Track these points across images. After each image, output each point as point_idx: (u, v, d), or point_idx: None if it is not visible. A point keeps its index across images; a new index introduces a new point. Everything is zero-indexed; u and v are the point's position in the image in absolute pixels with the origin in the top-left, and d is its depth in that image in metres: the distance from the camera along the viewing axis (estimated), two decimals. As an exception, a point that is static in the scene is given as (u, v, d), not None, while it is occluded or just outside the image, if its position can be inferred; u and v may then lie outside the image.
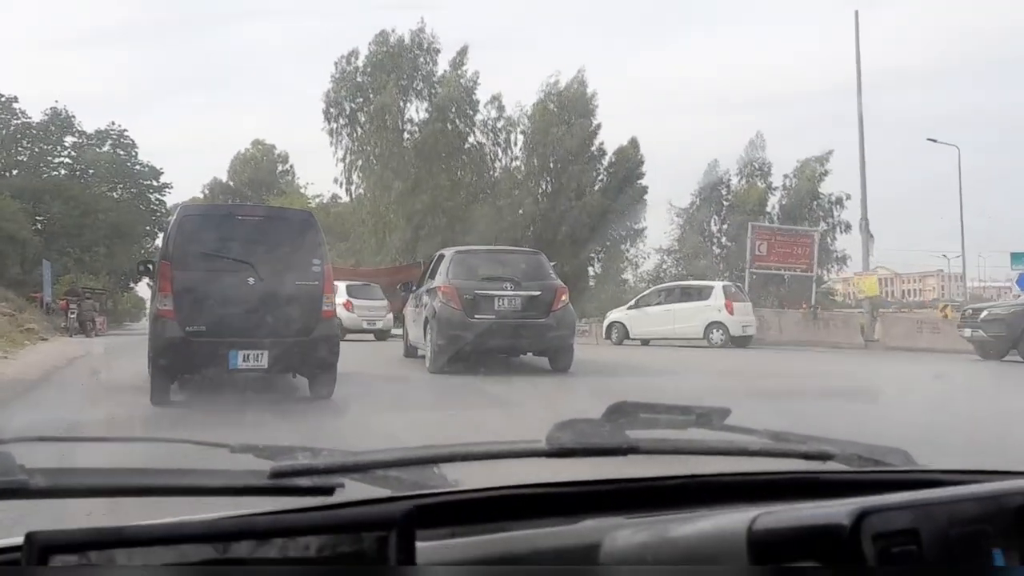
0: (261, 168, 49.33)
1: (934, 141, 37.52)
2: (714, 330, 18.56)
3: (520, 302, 10.24)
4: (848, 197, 38.87)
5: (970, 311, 17.15)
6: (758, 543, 0.78)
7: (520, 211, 34.67)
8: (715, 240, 41.13)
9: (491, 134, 34.69)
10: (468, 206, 33.17)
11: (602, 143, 35.23)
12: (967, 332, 16.45)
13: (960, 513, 0.81)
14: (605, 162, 35.39)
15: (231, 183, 48.98)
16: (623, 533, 0.93)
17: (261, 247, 7.31)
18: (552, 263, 11.67)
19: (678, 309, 19.25)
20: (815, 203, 39.40)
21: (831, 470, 1.23)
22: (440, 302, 10.20)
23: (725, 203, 40.90)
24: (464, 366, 9.95)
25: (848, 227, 38.89)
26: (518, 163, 36.05)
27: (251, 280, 7.13)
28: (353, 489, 1.01)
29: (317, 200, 41.61)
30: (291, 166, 49.98)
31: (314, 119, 46.45)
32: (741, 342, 18.47)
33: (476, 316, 10.05)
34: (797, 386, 9.78)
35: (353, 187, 35.05)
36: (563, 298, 10.47)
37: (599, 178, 35.44)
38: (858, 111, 20.18)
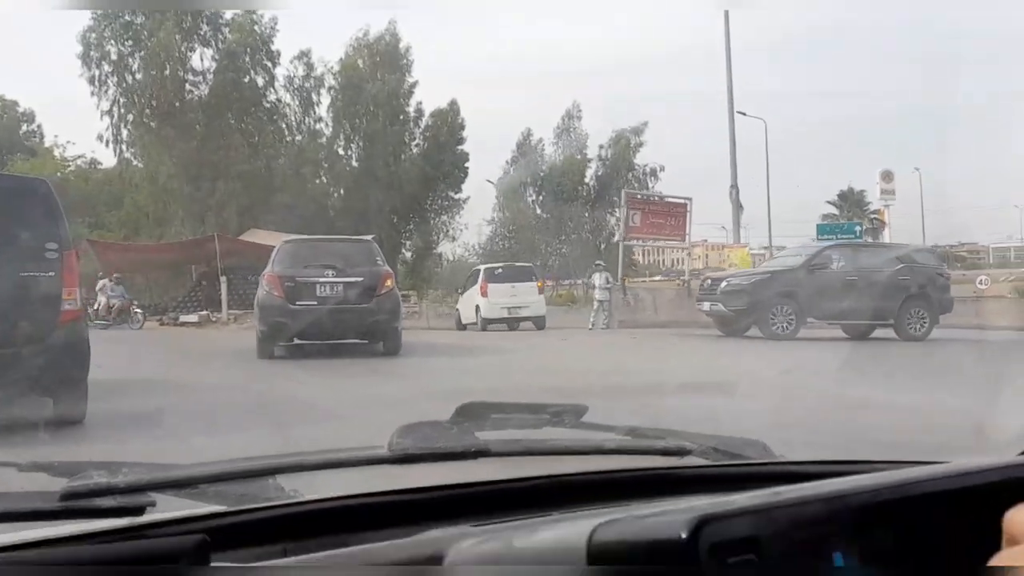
0: (1, 127, 41.33)
1: (743, 114, 38.05)
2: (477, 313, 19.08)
3: (342, 288, 10.44)
4: (662, 168, 38.78)
5: (709, 282, 16.01)
6: (598, 554, 0.76)
7: (326, 178, 30.45)
8: (532, 211, 39.13)
9: (296, 93, 30.04)
10: (267, 170, 28.40)
11: (420, 103, 31.69)
12: (706, 306, 15.38)
13: (801, 515, 0.80)
14: (423, 125, 31.71)
15: (-36, 144, 40.86)
16: (467, 543, 0.89)
17: None
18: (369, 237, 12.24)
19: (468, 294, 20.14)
20: (630, 174, 38.40)
21: (688, 465, 1.21)
22: (264, 290, 10.68)
23: (541, 174, 38.97)
24: (292, 351, 10.58)
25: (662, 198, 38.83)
26: (323, 124, 31.66)
27: None
28: (168, 506, 0.90)
29: (77, 162, 34.67)
30: (39, 126, 42.21)
31: (69, 73, 39.15)
32: (538, 323, 18.84)
33: (297, 303, 10.28)
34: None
35: (123, 146, 28.99)
36: (387, 283, 10.70)
37: (414, 143, 31.81)
38: (727, 83, 18.26)
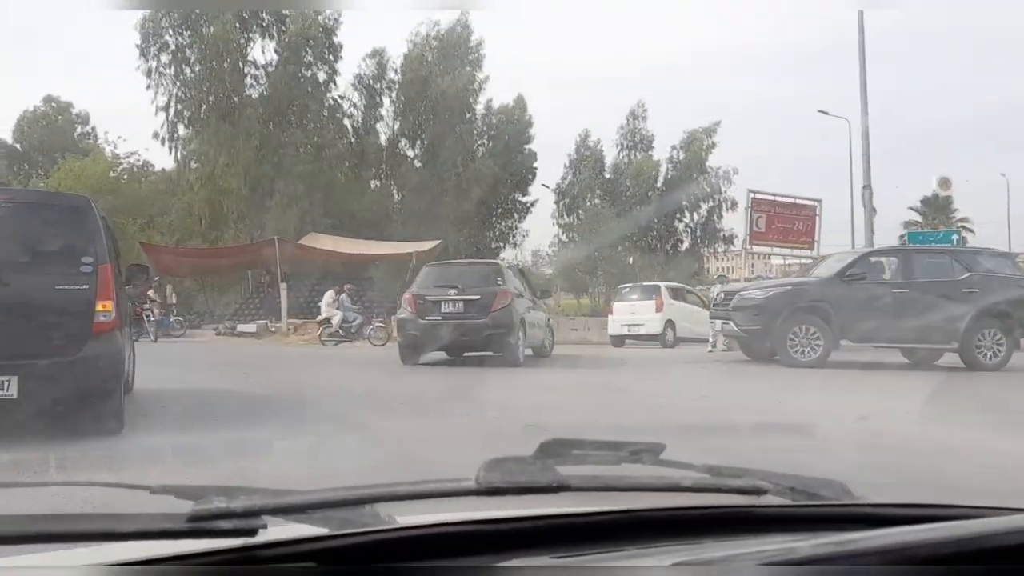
0: (56, 129, 40.42)
1: (825, 113, 35.59)
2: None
3: (462, 305, 11.85)
4: (736, 171, 36.42)
5: (721, 296, 13.37)
6: None
7: (390, 180, 28.50)
8: (595, 217, 36.76)
9: (363, 91, 28.10)
10: (329, 171, 26.52)
11: (489, 100, 29.59)
12: (717, 325, 13.06)
13: (864, 565, 0.82)
14: (491, 123, 29.62)
15: (18, 146, 40.23)
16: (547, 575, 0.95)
17: (6, 241, 5.89)
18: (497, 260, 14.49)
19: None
20: (702, 177, 36.01)
21: (765, 504, 1.23)
22: (402, 307, 12.63)
23: (606, 176, 36.76)
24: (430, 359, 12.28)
25: (735, 204, 36.65)
26: (384, 124, 29.70)
27: None
28: (277, 530, 1.00)
29: (129, 161, 33.17)
30: (93, 128, 41.23)
31: (127, 74, 37.66)
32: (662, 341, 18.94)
33: (426, 318, 11.93)
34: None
35: (179, 143, 27.30)
36: (502, 301, 11.80)
37: (480, 143, 29.70)
38: (861, 79, 15.91)
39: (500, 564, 1.02)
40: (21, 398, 5.64)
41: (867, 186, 16.40)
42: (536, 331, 13.25)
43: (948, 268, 12.19)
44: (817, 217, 19.54)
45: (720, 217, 37.27)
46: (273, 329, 22.36)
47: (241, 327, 22.31)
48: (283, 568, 0.79)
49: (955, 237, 26.93)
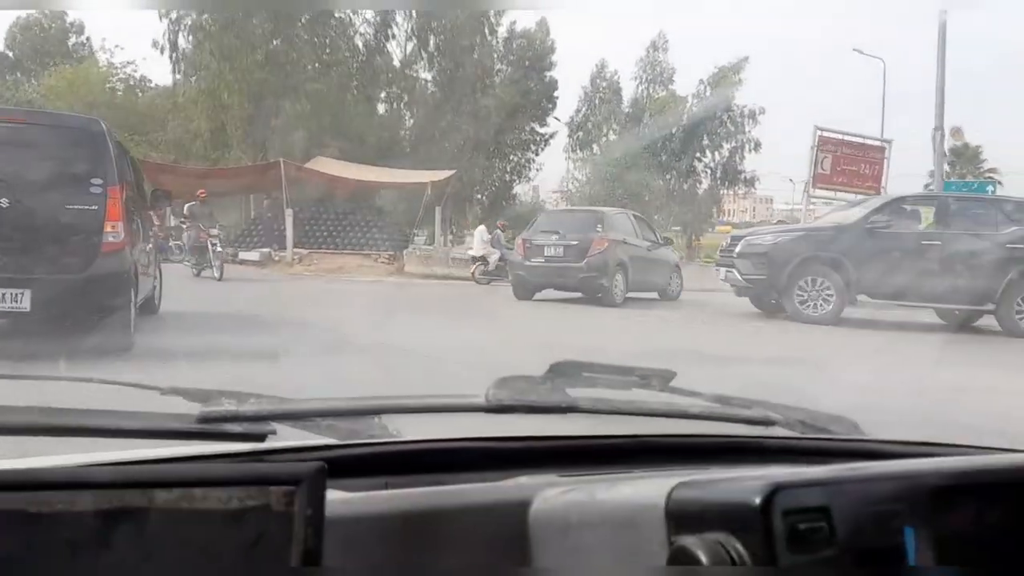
0: (48, 37, 38.36)
1: (860, 52, 33.85)
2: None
3: (562, 250, 12.73)
4: (763, 111, 34.65)
5: (728, 241, 12.24)
6: (675, 513, 0.80)
7: (402, 102, 26.78)
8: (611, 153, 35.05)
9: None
10: (339, 91, 24.80)
11: (513, 22, 27.64)
12: (721, 273, 11.83)
13: (874, 491, 0.82)
14: (514, 46, 27.73)
15: (10, 53, 38.32)
16: (553, 492, 0.96)
17: (20, 161, 6.09)
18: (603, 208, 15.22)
19: None
20: (727, 115, 34.22)
21: (772, 435, 1.24)
22: (514, 249, 14.02)
23: (625, 111, 34.94)
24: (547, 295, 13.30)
25: (758, 145, 35.07)
26: (396, 43, 27.78)
27: (3, 202, 5.96)
28: (285, 435, 1.00)
29: (125, 71, 31.27)
30: (88, 38, 39.08)
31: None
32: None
33: (532, 260, 13.00)
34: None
35: (180, 55, 25.47)
36: (598, 248, 12.48)
37: (496, 69, 27.84)
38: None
39: (505, 481, 1.03)
40: (34, 311, 5.93)
41: (939, 128, 14.92)
42: (653, 276, 13.79)
43: (991, 220, 10.88)
44: (886, 160, 17.91)
45: (743, 159, 35.54)
46: (277, 258, 21.05)
47: (243, 255, 20.97)
48: (294, 472, 0.74)
49: (990, 188, 25.54)
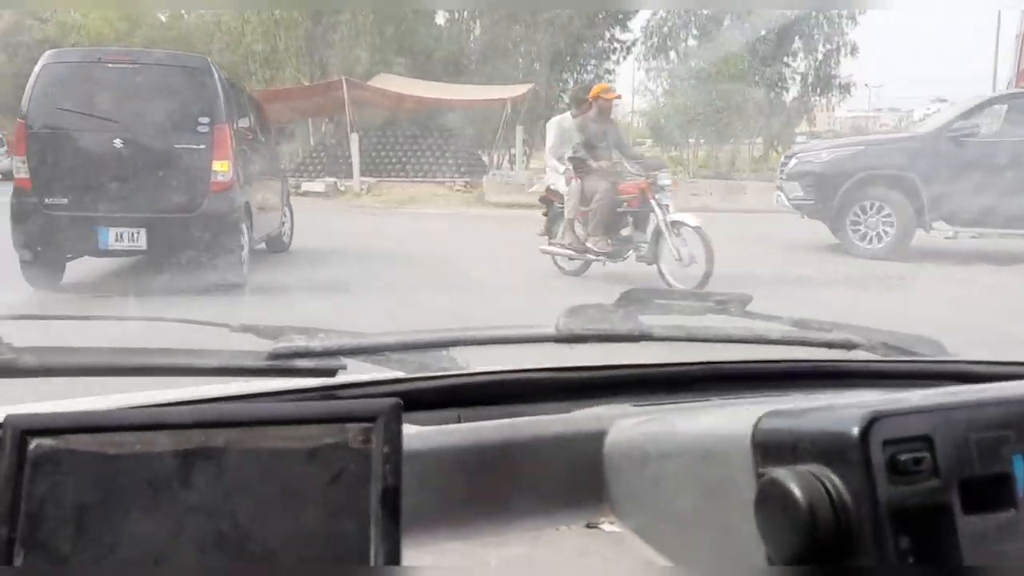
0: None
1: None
2: None
3: None
4: (863, 11, 31.24)
5: (784, 160, 10.34)
6: (763, 443, 0.75)
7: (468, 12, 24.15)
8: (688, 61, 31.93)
9: None
10: (393, 3, 22.30)
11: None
12: (776, 194, 9.82)
13: (979, 417, 0.75)
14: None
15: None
16: (629, 422, 0.94)
17: (134, 101, 6.37)
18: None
19: None
20: (822, 15, 31.00)
21: (856, 359, 1.21)
22: None
23: (703, 12, 31.72)
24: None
25: (856, 49, 31.88)
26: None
27: (117, 142, 6.25)
28: (356, 370, 1.00)
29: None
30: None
31: None
32: None
33: None
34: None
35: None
36: None
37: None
38: None
39: (579, 411, 1.01)
40: (151, 249, 6.26)
41: None
42: None
43: None
44: None
45: (838, 63, 32.32)
46: (343, 188, 19.12)
47: (306, 185, 19.04)
48: (372, 408, 0.74)
49: None
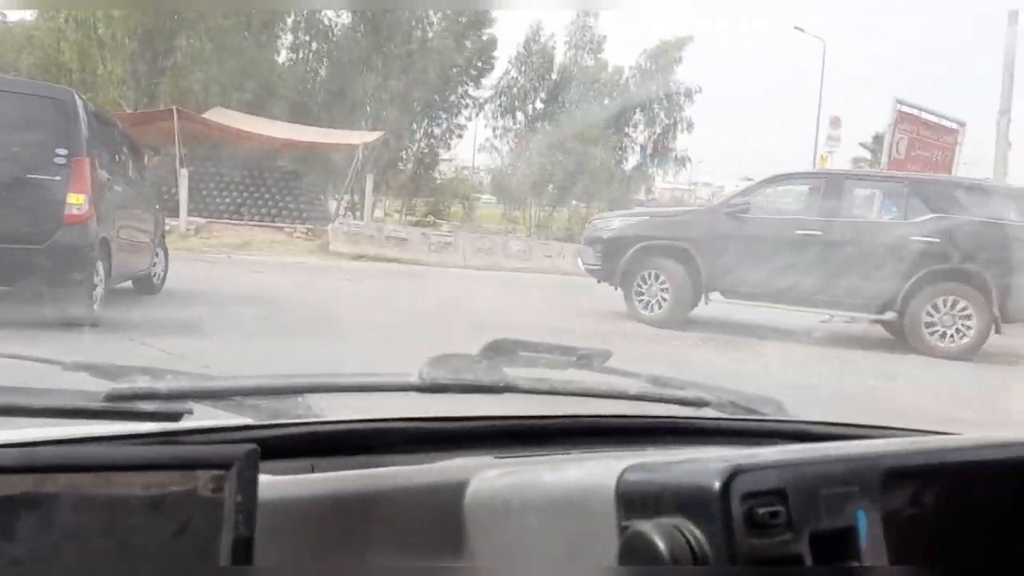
0: None
1: (800, 31, 32.39)
2: None
3: None
4: (699, 90, 32.89)
5: (586, 227, 11.25)
6: (626, 496, 0.77)
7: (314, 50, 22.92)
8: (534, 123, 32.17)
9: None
10: (247, 31, 20.77)
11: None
12: (578, 259, 10.52)
13: (828, 473, 0.81)
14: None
15: None
16: (491, 474, 0.92)
17: None
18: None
19: None
20: (662, 92, 32.34)
21: (707, 416, 1.27)
22: None
23: (553, 77, 32.22)
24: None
25: (691, 125, 33.48)
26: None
27: None
28: (204, 416, 0.94)
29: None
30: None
31: None
32: None
33: None
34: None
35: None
36: None
37: (427, 20, 24.26)
38: None
39: (440, 463, 0.98)
40: None
41: (1005, 111, 12.84)
42: None
43: (900, 205, 8.88)
44: (958, 147, 15.44)
45: (675, 138, 33.73)
46: (168, 228, 17.05)
47: (124, 222, 16.85)
48: (224, 455, 0.70)
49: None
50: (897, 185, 9.42)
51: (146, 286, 8.56)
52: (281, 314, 7.79)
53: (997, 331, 8.31)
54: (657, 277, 9.03)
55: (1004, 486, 0.86)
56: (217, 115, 19.89)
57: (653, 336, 8.34)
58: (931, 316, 8.18)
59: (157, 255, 8.83)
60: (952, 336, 8.15)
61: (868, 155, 43.57)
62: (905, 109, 14.56)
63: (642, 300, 9.10)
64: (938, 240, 8.19)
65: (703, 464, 0.75)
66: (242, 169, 19.80)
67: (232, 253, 15.36)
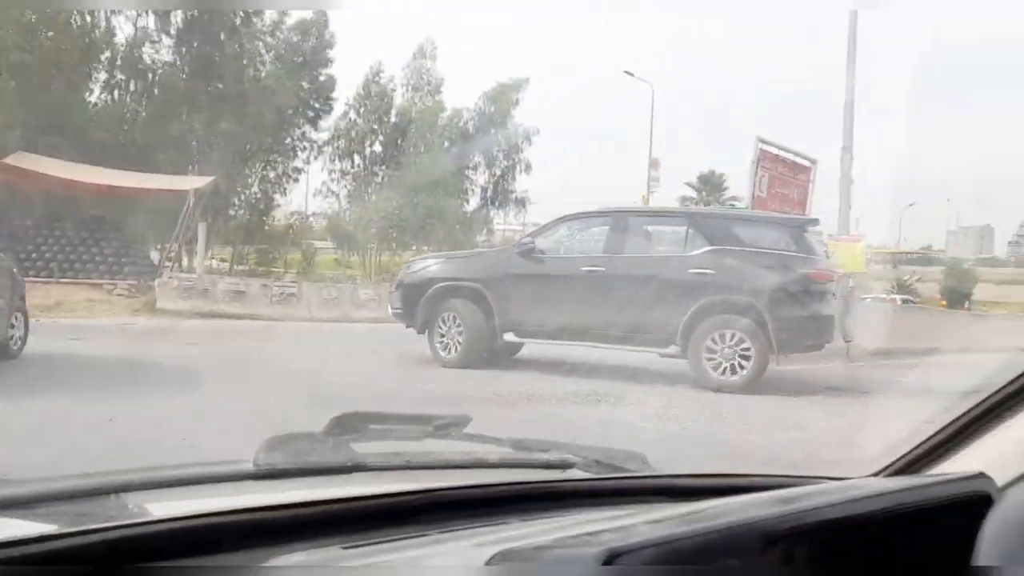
0: None
1: (630, 75, 33.49)
2: None
3: None
4: (537, 131, 33.30)
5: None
6: None
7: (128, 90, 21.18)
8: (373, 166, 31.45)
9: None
10: (54, 66, 18.84)
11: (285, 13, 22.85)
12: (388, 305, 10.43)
13: (707, 545, 0.79)
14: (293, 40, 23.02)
15: None
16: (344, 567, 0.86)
17: None
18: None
19: None
20: (500, 135, 32.49)
21: (572, 479, 1.22)
22: None
23: (392, 120, 31.68)
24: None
25: (530, 167, 33.84)
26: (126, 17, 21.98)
27: None
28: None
29: None
30: None
31: None
32: None
33: None
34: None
35: None
36: None
37: (262, 59, 23.03)
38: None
39: (273, 562, 0.87)
40: None
41: (847, 148, 13.39)
42: None
43: (679, 240, 8.97)
44: (811, 183, 15.80)
45: (514, 179, 33.90)
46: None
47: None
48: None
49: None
50: (678, 220, 9.54)
51: (2, 351, 7.85)
52: (106, 397, 6.31)
53: (776, 363, 8.28)
54: (455, 320, 8.94)
55: (870, 535, 0.90)
56: (20, 160, 17.81)
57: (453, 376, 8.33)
58: (712, 349, 8.11)
59: (16, 319, 8.14)
60: (729, 369, 8.04)
61: (694, 193, 46.51)
62: (767, 147, 15.00)
63: (442, 342, 8.97)
64: (712, 271, 8.22)
65: (576, 551, 0.70)
66: (52, 219, 17.77)
67: (40, 317, 13.51)
